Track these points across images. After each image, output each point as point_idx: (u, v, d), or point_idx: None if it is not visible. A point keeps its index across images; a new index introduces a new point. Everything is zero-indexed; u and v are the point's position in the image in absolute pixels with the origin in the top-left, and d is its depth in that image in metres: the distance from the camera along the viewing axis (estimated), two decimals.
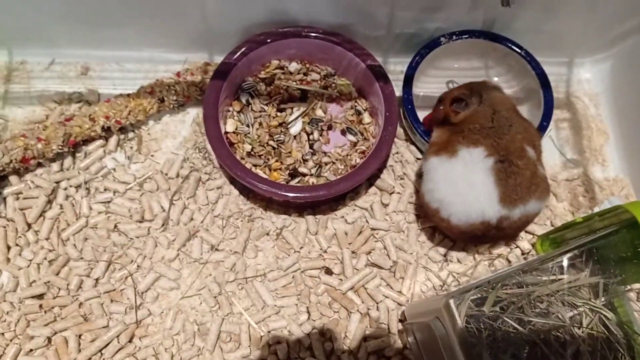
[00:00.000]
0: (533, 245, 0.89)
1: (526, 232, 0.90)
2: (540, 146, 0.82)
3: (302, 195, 0.82)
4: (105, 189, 0.91)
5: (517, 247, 0.89)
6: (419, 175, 0.91)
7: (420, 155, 0.95)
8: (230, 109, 0.93)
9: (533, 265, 0.69)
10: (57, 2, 0.88)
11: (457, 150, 0.79)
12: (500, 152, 0.76)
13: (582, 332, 0.68)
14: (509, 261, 0.88)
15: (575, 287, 0.72)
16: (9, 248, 0.86)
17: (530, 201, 0.77)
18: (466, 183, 0.77)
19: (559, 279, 0.72)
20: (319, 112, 0.94)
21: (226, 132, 0.90)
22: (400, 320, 0.84)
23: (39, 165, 0.91)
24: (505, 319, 0.66)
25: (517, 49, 0.94)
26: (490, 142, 0.77)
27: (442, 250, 0.89)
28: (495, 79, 1.00)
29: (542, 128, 0.89)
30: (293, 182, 0.88)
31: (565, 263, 0.72)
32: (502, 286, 0.68)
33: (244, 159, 0.89)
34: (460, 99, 0.83)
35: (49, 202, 0.88)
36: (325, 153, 0.91)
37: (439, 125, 0.86)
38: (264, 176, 0.87)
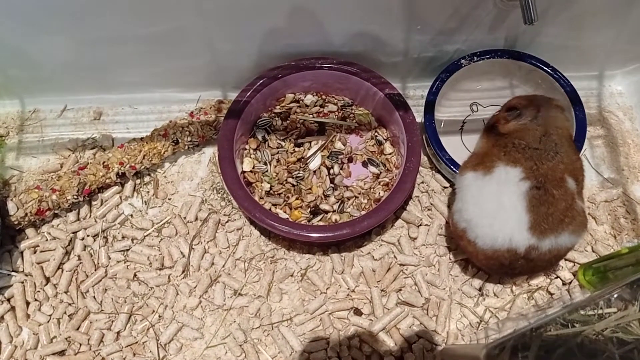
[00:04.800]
0: (574, 274, 0.84)
1: (567, 260, 0.85)
2: (583, 181, 0.77)
3: (325, 235, 0.78)
4: (123, 237, 0.88)
5: (558, 277, 0.84)
6: (448, 205, 0.87)
7: (446, 184, 0.91)
8: (247, 147, 0.90)
9: (579, 305, 0.64)
10: (67, 51, 0.87)
11: (494, 167, 0.75)
12: (539, 178, 0.72)
13: None
14: (550, 293, 0.83)
15: (625, 322, 0.66)
16: (28, 304, 0.84)
17: (563, 234, 0.72)
18: (496, 204, 0.73)
19: (606, 314, 0.67)
20: (338, 145, 0.90)
21: (243, 172, 0.87)
22: None
23: (55, 216, 0.89)
24: None
25: (543, 66, 0.90)
26: (530, 165, 0.73)
27: (476, 284, 0.84)
28: None
29: (576, 149, 0.84)
30: (315, 220, 0.85)
31: (614, 295, 0.67)
32: (546, 327, 0.63)
33: (262, 198, 0.86)
34: (514, 107, 0.79)
35: (67, 253, 0.86)
36: (347, 187, 0.88)
37: (486, 134, 0.82)
38: (285, 216, 0.84)
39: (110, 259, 0.87)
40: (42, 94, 0.97)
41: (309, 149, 0.90)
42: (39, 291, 0.84)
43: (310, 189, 0.87)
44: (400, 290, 0.84)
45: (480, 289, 0.84)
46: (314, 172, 0.89)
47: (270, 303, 0.84)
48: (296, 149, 0.90)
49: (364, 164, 0.90)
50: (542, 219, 0.71)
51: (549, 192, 0.71)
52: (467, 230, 0.76)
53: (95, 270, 0.86)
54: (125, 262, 0.87)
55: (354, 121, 0.92)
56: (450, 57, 0.93)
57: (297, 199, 0.86)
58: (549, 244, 0.72)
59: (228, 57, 0.91)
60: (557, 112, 0.79)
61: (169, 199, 0.92)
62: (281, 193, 0.87)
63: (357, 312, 0.83)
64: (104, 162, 0.87)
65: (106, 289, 0.85)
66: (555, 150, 0.74)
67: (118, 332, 0.82)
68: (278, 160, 0.89)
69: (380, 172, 0.89)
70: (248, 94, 0.87)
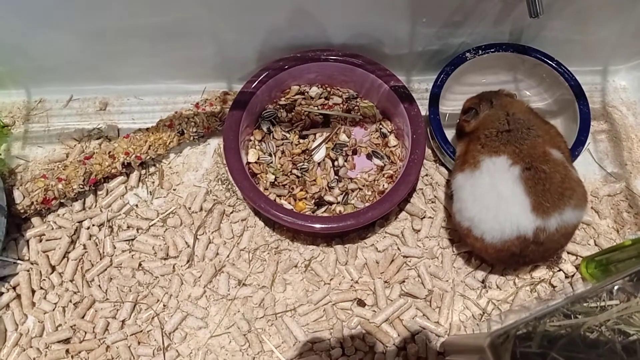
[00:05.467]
0: (577, 267, 0.84)
1: (569, 253, 0.85)
2: (567, 147, 0.79)
3: (330, 226, 0.79)
4: (128, 227, 0.89)
5: (560, 270, 0.84)
6: (450, 196, 0.87)
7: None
8: (252, 138, 0.90)
9: (582, 296, 0.65)
10: (73, 41, 0.88)
11: (479, 161, 0.76)
12: (525, 160, 0.73)
13: None
14: (553, 286, 0.83)
15: (627, 314, 0.67)
16: (33, 292, 0.84)
17: (567, 209, 0.72)
18: (495, 196, 0.74)
19: (609, 305, 0.67)
20: (343, 137, 0.91)
21: (248, 163, 0.87)
22: (439, 353, 0.80)
23: (61, 205, 0.89)
24: (555, 355, 0.61)
25: (548, 60, 0.90)
26: (512, 149, 0.74)
27: (479, 276, 0.85)
28: (527, 92, 0.96)
29: (580, 143, 0.84)
30: (319, 212, 0.85)
31: (615, 287, 0.67)
32: (549, 318, 0.64)
33: (267, 189, 0.86)
34: (470, 108, 0.82)
35: (72, 242, 0.87)
36: (351, 179, 0.88)
37: (459, 140, 0.85)
38: (289, 207, 0.84)
39: (115, 248, 0.87)
40: (48, 84, 0.98)
41: (313, 140, 0.90)
42: (44, 279, 0.85)
43: (314, 180, 0.87)
44: (404, 281, 0.85)
45: (483, 281, 0.84)
46: (319, 164, 0.89)
47: (274, 293, 0.84)
48: (301, 140, 0.90)
49: (369, 156, 0.91)
50: (541, 197, 0.72)
51: (539, 169, 0.73)
52: (471, 228, 0.76)
53: (101, 259, 0.86)
54: (130, 252, 0.87)
55: (359, 113, 0.92)
56: (455, 51, 0.93)
57: (301, 190, 0.86)
58: (555, 223, 0.72)
59: (233, 48, 0.91)
60: (508, 98, 0.82)
61: (174, 190, 0.92)
62: (286, 184, 0.87)
63: (361, 303, 0.83)
64: (109, 152, 0.88)
65: (111, 278, 0.85)
66: (526, 126, 0.76)
67: (123, 321, 0.82)
68: (283, 152, 0.89)
69: (385, 165, 0.89)
70: (253, 85, 0.87)
